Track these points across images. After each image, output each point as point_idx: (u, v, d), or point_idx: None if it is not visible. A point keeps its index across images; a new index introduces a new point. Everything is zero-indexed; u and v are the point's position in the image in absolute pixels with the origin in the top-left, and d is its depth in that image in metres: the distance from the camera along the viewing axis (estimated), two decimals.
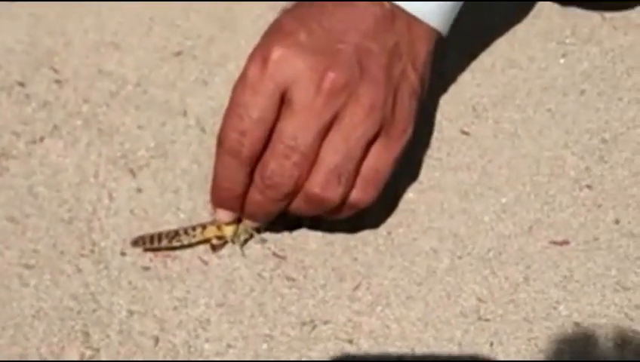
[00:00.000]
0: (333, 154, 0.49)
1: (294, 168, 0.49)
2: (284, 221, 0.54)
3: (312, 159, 0.49)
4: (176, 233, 0.53)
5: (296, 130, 0.48)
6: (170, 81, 0.64)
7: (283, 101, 0.49)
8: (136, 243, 0.53)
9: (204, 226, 0.54)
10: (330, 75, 0.48)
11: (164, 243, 0.53)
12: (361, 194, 0.50)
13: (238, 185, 0.50)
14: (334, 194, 0.49)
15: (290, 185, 0.49)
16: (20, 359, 0.51)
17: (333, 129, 0.49)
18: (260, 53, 0.49)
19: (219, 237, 0.54)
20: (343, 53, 0.49)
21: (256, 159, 0.50)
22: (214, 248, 0.54)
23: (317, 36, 0.49)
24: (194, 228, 0.53)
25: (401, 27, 0.50)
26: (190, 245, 0.54)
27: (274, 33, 0.50)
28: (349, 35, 0.49)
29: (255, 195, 0.50)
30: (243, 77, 0.49)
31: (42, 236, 0.56)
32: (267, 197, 0.50)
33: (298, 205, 0.51)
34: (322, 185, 0.49)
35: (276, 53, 0.48)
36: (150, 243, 0.53)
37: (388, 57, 0.49)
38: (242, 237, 0.54)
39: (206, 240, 0.54)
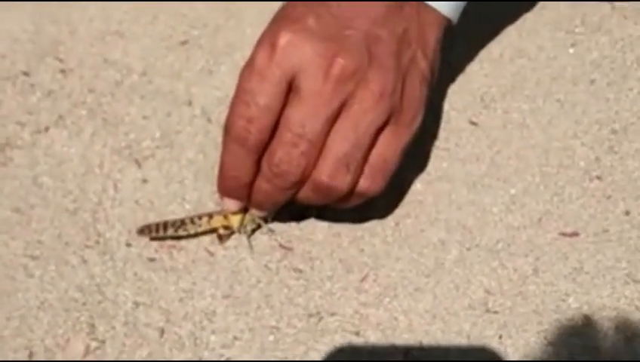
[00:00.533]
0: (341, 142, 0.48)
1: (302, 156, 0.48)
2: (290, 210, 0.54)
3: (319, 147, 0.48)
4: (183, 222, 0.53)
5: (304, 117, 0.48)
6: (175, 70, 0.63)
7: (291, 88, 0.48)
8: (142, 231, 0.53)
9: (210, 216, 0.53)
10: (339, 62, 0.47)
11: (170, 232, 0.53)
12: (370, 183, 0.50)
13: (245, 174, 0.50)
14: (342, 182, 0.49)
15: (298, 174, 0.49)
16: (24, 350, 0.50)
17: (342, 116, 0.48)
18: (268, 39, 0.48)
19: (225, 227, 0.53)
20: (351, 40, 0.48)
21: (264, 147, 0.49)
22: (221, 238, 0.54)
23: (325, 22, 0.48)
24: (200, 218, 0.53)
25: (411, 13, 0.49)
26: (196, 234, 0.54)
27: (282, 19, 0.49)
28: (357, 22, 0.48)
29: (262, 184, 0.50)
30: (250, 63, 0.49)
31: (47, 227, 0.55)
32: (274, 185, 0.49)
33: (305, 194, 0.50)
34: (330, 174, 0.48)
35: (284, 38, 0.48)
36: (156, 231, 0.53)
37: (397, 44, 0.49)
38: (249, 227, 0.53)
39: (212, 230, 0.54)
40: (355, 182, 0.49)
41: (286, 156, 0.48)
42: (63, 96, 0.62)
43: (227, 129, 0.49)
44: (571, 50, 0.63)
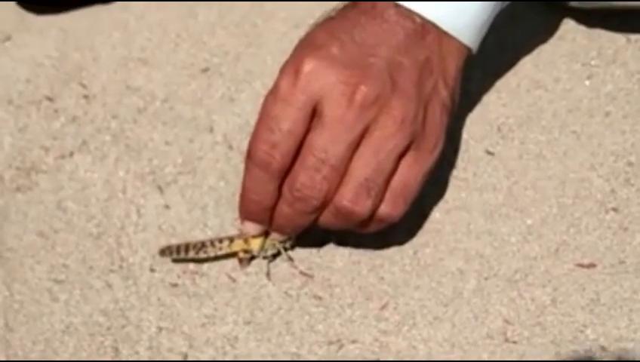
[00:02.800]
0: (363, 167, 0.49)
1: (324, 181, 0.49)
2: (310, 236, 0.54)
3: (342, 172, 0.49)
4: (203, 244, 0.54)
5: (327, 143, 0.49)
6: (197, 97, 0.64)
7: (314, 113, 0.49)
8: (163, 252, 0.54)
9: (231, 239, 0.54)
10: (362, 89, 0.48)
11: (191, 254, 0.53)
12: (390, 209, 0.50)
13: (266, 198, 0.51)
14: (364, 207, 0.50)
15: (320, 198, 0.49)
16: None
17: (364, 142, 0.49)
18: (292, 65, 0.49)
19: (245, 251, 0.54)
20: (374, 67, 0.49)
21: (286, 172, 0.50)
22: (241, 261, 0.54)
23: (349, 49, 0.49)
24: (221, 241, 0.54)
25: (432, 42, 0.50)
26: (217, 258, 0.54)
27: (306, 46, 0.50)
28: (380, 49, 0.49)
29: (284, 208, 0.50)
30: (274, 89, 0.50)
31: (72, 251, 0.56)
32: (296, 209, 0.50)
33: (327, 218, 0.51)
34: (352, 199, 0.49)
35: (308, 65, 0.49)
36: (177, 253, 0.53)
37: (419, 72, 0.50)
38: (269, 252, 0.54)
39: (233, 254, 0.54)
40: (376, 207, 0.50)
41: (308, 181, 0.49)
42: (87, 122, 0.63)
43: (250, 154, 0.50)
44: (587, 82, 0.63)
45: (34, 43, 0.67)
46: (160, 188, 0.59)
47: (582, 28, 0.66)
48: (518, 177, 0.59)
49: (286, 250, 0.54)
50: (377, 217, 0.51)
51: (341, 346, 0.52)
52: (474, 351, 0.51)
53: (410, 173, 0.50)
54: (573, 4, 0.65)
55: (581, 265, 0.54)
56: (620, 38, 0.65)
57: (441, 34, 0.50)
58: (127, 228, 0.57)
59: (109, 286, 0.54)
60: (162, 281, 0.55)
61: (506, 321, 0.52)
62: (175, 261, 0.54)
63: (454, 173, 0.59)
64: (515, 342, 0.51)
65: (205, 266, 0.55)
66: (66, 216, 0.58)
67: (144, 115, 0.63)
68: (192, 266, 0.55)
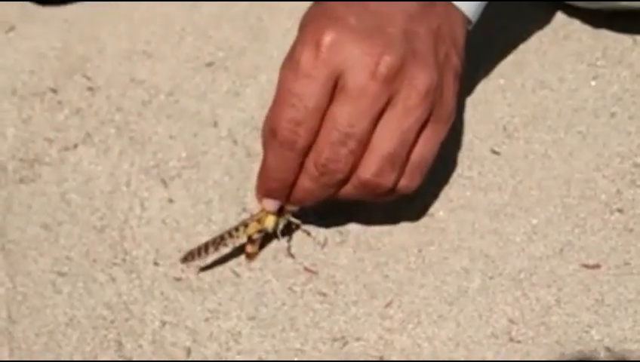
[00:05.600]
0: (387, 140, 0.48)
1: (349, 155, 0.48)
2: (315, 233, 0.55)
3: (366, 145, 0.48)
4: (222, 238, 0.53)
5: (352, 116, 0.48)
6: (201, 91, 0.64)
7: (336, 86, 0.48)
8: (185, 259, 0.53)
9: (245, 224, 0.53)
10: (386, 59, 0.47)
11: (212, 250, 0.53)
12: (409, 181, 0.50)
13: (290, 175, 0.50)
14: (387, 180, 0.49)
15: (345, 172, 0.49)
16: None
17: (387, 114, 0.48)
18: (312, 38, 0.48)
19: (260, 231, 0.53)
20: (394, 37, 0.48)
21: (310, 147, 0.49)
22: (249, 256, 0.54)
23: (366, 19, 0.48)
24: (237, 229, 0.53)
25: (442, 11, 0.50)
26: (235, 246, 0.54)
27: (322, 17, 0.48)
28: (395, 18, 0.48)
29: (306, 183, 0.50)
30: (294, 64, 0.48)
31: (75, 243, 0.56)
32: (319, 184, 0.49)
33: (348, 191, 0.50)
34: (376, 172, 0.49)
35: (329, 37, 0.47)
36: (198, 255, 0.53)
37: (434, 39, 0.49)
38: (280, 225, 0.53)
39: (248, 238, 0.54)
40: (399, 179, 0.50)
41: (334, 155, 0.48)
42: (91, 114, 0.62)
43: (273, 132, 0.49)
44: (593, 83, 0.63)
45: (38, 34, 0.67)
46: (164, 182, 0.59)
47: (588, 28, 0.66)
48: (523, 177, 0.58)
49: (295, 217, 0.53)
50: (396, 190, 0.50)
51: (345, 343, 0.52)
52: (478, 350, 0.51)
53: (428, 146, 0.50)
54: (579, 4, 0.65)
55: (586, 266, 0.54)
56: (626, 39, 0.65)
57: (447, 4, 0.50)
58: (131, 221, 0.57)
59: (113, 279, 0.54)
60: (166, 275, 0.54)
61: (511, 321, 0.52)
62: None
63: (459, 171, 0.59)
64: (519, 342, 0.51)
65: (209, 261, 0.55)
66: (69, 208, 0.57)
67: (148, 108, 0.63)
68: (195, 261, 0.55)
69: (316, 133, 0.48)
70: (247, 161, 0.60)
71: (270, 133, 0.49)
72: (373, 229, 0.56)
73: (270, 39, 0.67)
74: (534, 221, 0.56)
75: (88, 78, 0.64)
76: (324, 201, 0.51)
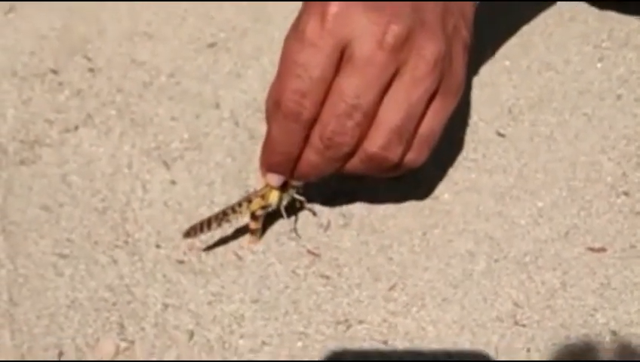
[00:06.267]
0: (395, 112, 0.47)
1: (356, 128, 0.47)
2: (317, 215, 0.54)
3: (373, 117, 0.47)
4: (225, 213, 0.52)
5: (359, 88, 0.46)
6: (203, 73, 0.63)
7: (342, 58, 0.47)
8: (188, 234, 0.52)
9: (249, 200, 0.52)
10: (394, 28, 0.46)
11: (215, 226, 0.52)
12: (416, 155, 0.49)
13: (294, 149, 0.48)
14: (395, 154, 0.48)
15: (351, 145, 0.47)
16: (54, 348, 0.50)
17: (395, 86, 0.47)
18: (317, 7, 0.46)
19: (263, 207, 0.52)
20: (401, 7, 0.46)
21: (315, 120, 0.48)
22: (253, 232, 0.54)
23: None
24: (240, 204, 0.52)
25: None
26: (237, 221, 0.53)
27: None
28: None
29: (311, 156, 0.48)
30: (299, 33, 0.46)
31: (76, 225, 0.55)
32: (325, 157, 0.48)
33: (354, 165, 0.49)
34: (383, 145, 0.47)
35: (335, 7, 0.46)
36: (201, 230, 0.52)
37: (442, 10, 0.48)
38: (284, 201, 0.52)
39: (252, 214, 0.53)
40: (406, 153, 0.49)
41: (340, 128, 0.47)
42: (92, 95, 0.62)
43: (277, 104, 0.47)
44: (599, 65, 0.63)
45: (38, 15, 0.66)
46: (166, 164, 0.58)
47: (593, 10, 0.65)
48: (528, 159, 0.58)
49: (299, 194, 0.52)
50: (403, 164, 0.49)
51: (349, 326, 0.51)
52: (483, 333, 0.51)
53: (436, 118, 0.48)
54: None
55: (591, 249, 0.54)
56: (632, 21, 0.65)
57: None
58: (133, 203, 0.56)
59: (115, 261, 0.54)
60: (168, 258, 0.54)
61: (516, 304, 0.52)
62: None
63: (464, 154, 0.58)
64: (524, 325, 0.51)
65: (211, 243, 0.55)
66: (70, 190, 0.57)
67: (150, 90, 0.62)
68: (198, 243, 0.55)
69: (321, 105, 0.47)
70: (250, 142, 0.59)
71: (274, 104, 0.48)
72: (377, 212, 0.56)
73: (272, 20, 0.66)
74: (540, 204, 0.56)
75: (89, 59, 0.64)
76: (329, 177, 0.50)
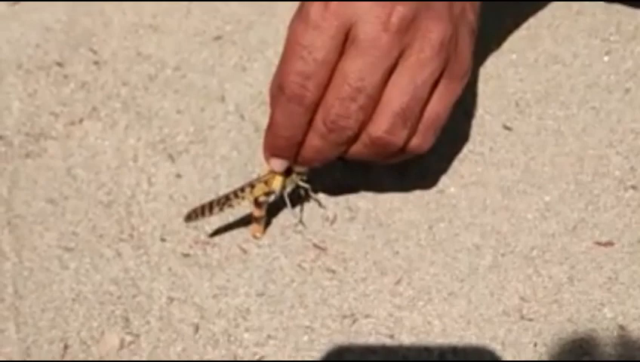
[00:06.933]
0: (399, 95, 0.46)
1: (360, 111, 0.46)
2: (323, 209, 0.54)
3: (377, 101, 0.46)
4: (227, 198, 0.52)
5: (363, 70, 0.46)
6: (209, 65, 0.63)
7: (346, 40, 0.46)
8: (189, 217, 0.52)
9: (252, 185, 0.52)
10: (399, 9, 0.45)
11: (216, 210, 0.52)
12: (421, 140, 0.48)
13: (298, 132, 0.48)
14: (399, 138, 0.47)
15: (355, 129, 0.47)
16: (59, 342, 0.50)
17: (399, 68, 0.46)
18: None
19: (267, 193, 0.52)
20: None
21: (319, 103, 0.47)
22: (256, 220, 0.53)
23: None
24: (242, 190, 0.52)
25: None
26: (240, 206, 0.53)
27: None
28: None
29: (314, 141, 0.48)
30: (304, 15, 0.46)
31: (81, 219, 0.55)
32: (328, 142, 0.47)
33: (358, 149, 0.48)
34: (388, 129, 0.47)
35: None
36: (202, 214, 0.52)
37: None
38: (288, 188, 0.52)
39: (255, 200, 0.52)
40: (411, 138, 0.48)
41: (344, 111, 0.46)
42: (97, 88, 0.62)
43: (281, 87, 0.47)
44: (606, 58, 0.62)
45: (43, 7, 0.66)
46: (171, 157, 0.58)
47: (601, 3, 0.65)
48: (535, 153, 0.58)
49: (303, 181, 0.52)
50: (407, 149, 0.48)
51: (355, 320, 0.51)
52: (489, 327, 0.50)
53: (442, 103, 0.48)
54: None
55: (599, 243, 0.53)
56: (639, 14, 0.64)
57: None
58: (138, 196, 0.56)
59: (119, 255, 0.54)
60: (173, 251, 0.54)
61: (523, 298, 0.51)
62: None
63: (470, 147, 0.58)
64: (531, 320, 0.51)
65: (217, 237, 0.54)
66: (75, 183, 0.57)
67: (155, 83, 0.62)
68: (203, 237, 0.54)
69: (325, 88, 0.46)
70: (255, 136, 0.59)
71: (278, 88, 0.47)
72: (384, 205, 0.56)
73: (278, 13, 0.66)
74: (547, 198, 0.56)
75: (94, 52, 0.63)
76: (335, 169, 0.49)
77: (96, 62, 0.63)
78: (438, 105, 0.48)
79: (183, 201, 0.56)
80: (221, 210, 0.52)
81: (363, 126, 0.47)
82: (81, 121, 0.60)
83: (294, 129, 0.48)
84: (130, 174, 0.57)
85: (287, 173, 0.51)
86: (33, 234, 0.55)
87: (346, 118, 0.46)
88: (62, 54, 0.63)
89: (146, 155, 0.58)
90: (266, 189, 0.52)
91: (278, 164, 0.50)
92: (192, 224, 0.54)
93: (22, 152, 0.58)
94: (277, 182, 0.51)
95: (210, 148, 0.58)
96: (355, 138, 0.48)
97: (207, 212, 0.52)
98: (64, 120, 0.60)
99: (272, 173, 0.51)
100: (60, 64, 0.63)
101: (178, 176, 0.57)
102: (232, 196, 0.52)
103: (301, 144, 0.48)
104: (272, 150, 0.49)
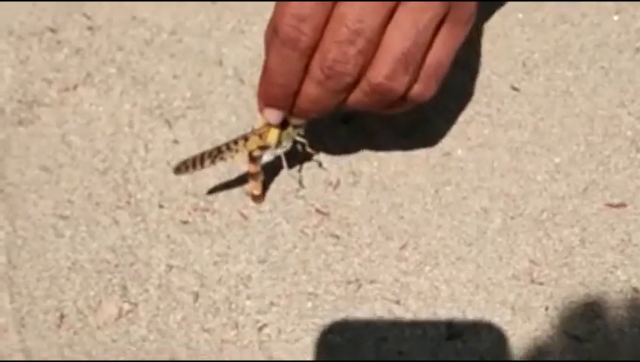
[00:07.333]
0: (400, 39, 0.44)
1: (359, 55, 0.44)
2: (325, 172, 0.52)
3: (377, 45, 0.44)
4: (219, 150, 0.49)
5: (362, 12, 0.43)
6: (206, 29, 0.61)
7: None
8: (179, 170, 0.50)
9: (245, 138, 0.49)
10: None
11: (207, 163, 0.49)
12: (423, 88, 0.46)
13: (293, 80, 0.45)
14: (400, 84, 0.45)
15: (354, 75, 0.44)
16: (55, 311, 0.49)
17: (400, 11, 0.43)
18: None
19: (262, 148, 0.50)
20: None
21: (315, 48, 0.44)
22: (252, 177, 0.50)
23: None
24: (236, 142, 0.49)
25: None
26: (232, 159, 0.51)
27: None
28: None
29: (310, 89, 0.45)
30: None
31: (77, 186, 0.54)
32: (326, 89, 0.45)
33: (357, 97, 0.46)
34: (388, 75, 0.44)
35: None
36: (193, 167, 0.49)
37: None
38: (285, 144, 0.49)
39: (249, 154, 0.50)
40: (412, 85, 0.45)
41: (341, 55, 0.44)
42: (91, 54, 0.60)
43: (275, 30, 0.44)
44: (615, 17, 0.61)
45: None
46: (168, 123, 0.56)
47: None
48: (544, 114, 0.56)
49: (301, 136, 0.49)
50: (409, 97, 0.46)
51: (360, 286, 0.50)
52: (499, 292, 0.49)
53: (445, 49, 0.45)
54: None
55: (610, 205, 0.52)
56: None
57: None
58: (135, 163, 0.55)
59: (116, 222, 0.52)
60: (172, 218, 0.52)
61: (533, 262, 0.50)
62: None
63: (477, 109, 0.56)
64: (541, 284, 0.49)
65: (216, 203, 0.53)
66: (70, 150, 0.55)
67: (151, 47, 0.60)
68: (202, 203, 0.53)
69: (322, 31, 0.44)
70: (255, 100, 0.56)
71: (273, 31, 0.45)
72: (388, 169, 0.54)
73: None
74: (556, 159, 0.54)
75: (88, 17, 0.62)
76: (331, 114, 0.47)
77: (90, 28, 0.61)
78: (441, 51, 0.45)
79: None
80: (212, 162, 0.49)
81: (362, 72, 0.45)
82: (75, 87, 0.58)
83: (289, 76, 0.45)
84: (126, 140, 0.56)
85: (283, 126, 0.49)
86: (27, 202, 0.53)
87: (343, 62, 0.44)
88: (55, 20, 0.61)
89: (142, 121, 0.56)
90: (261, 143, 0.49)
91: (274, 115, 0.47)
92: (191, 191, 0.52)
93: (14, 120, 0.57)
94: (272, 136, 0.49)
95: (208, 114, 0.57)
96: (353, 85, 0.45)
97: (197, 164, 0.49)
98: (58, 86, 0.58)
99: (267, 125, 0.49)
100: (52, 30, 0.61)
101: (175, 142, 0.56)
102: (224, 148, 0.49)
103: (297, 93, 0.46)
104: (266, 100, 0.47)
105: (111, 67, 0.59)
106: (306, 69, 0.45)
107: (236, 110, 0.57)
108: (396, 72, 0.44)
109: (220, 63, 0.59)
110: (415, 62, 0.44)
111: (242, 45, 0.60)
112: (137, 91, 0.58)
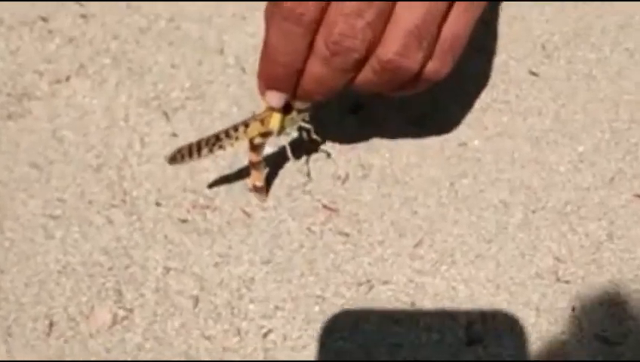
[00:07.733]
0: (412, 12, 0.41)
1: (367, 29, 0.41)
2: (333, 166, 0.50)
3: (386, 19, 0.41)
4: (217, 138, 0.46)
5: None
6: (205, 16, 0.59)
7: None
8: (174, 158, 0.46)
9: (246, 124, 0.46)
10: None
11: (205, 151, 0.46)
12: (439, 65, 0.43)
13: (297, 58, 0.42)
14: (413, 61, 0.42)
15: (362, 50, 0.41)
16: (44, 319, 0.46)
17: None
18: None
19: (263, 135, 0.46)
20: None
21: (320, 23, 0.41)
22: (253, 166, 0.48)
23: None
24: (235, 129, 0.46)
25: None
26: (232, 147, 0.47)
27: None
28: None
29: (315, 68, 0.42)
30: None
31: (69, 184, 0.51)
32: (332, 67, 0.42)
33: (366, 77, 0.43)
34: (400, 51, 0.41)
35: None
36: (189, 155, 0.46)
37: None
38: (289, 130, 0.46)
39: (250, 142, 0.47)
40: (426, 62, 0.42)
41: (349, 29, 0.41)
42: (85, 44, 0.58)
43: (276, 4, 0.41)
44: None
45: None
46: (166, 115, 0.54)
47: None
48: (565, 100, 0.53)
49: (305, 121, 0.46)
50: (423, 75, 0.43)
51: (371, 287, 0.47)
52: (522, 292, 0.46)
53: (461, 22, 0.42)
54: None
55: (639, 196, 0.49)
56: None
57: None
58: (130, 159, 0.52)
59: (111, 222, 0.49)
60: (169, 217, 0.49)
61: (557, 259, 0.47)
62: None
63: (494, 95, 0.54)
64: (567, 282, 0.46)
65: (217, 200, 0.50)
66: (62, 146, 0.53)
67: (147, 36, 0.58)
68: (202, 200, 0.50)
69: (327, 3, 0.41)
70: (257, 90, 0.54)
71: (274, 5, 0.42)
72: (400, 161, 0.51)
73: None
74: (580, 148, 0.51)
75: (81, 5, 0.60)
76: (338, 97, 0.43)
77: (83, 16, 0.59)
78: (457, 25, 0.42)
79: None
80: (210, 151, 0.46)
81: (371, 48, 0.41)
82: (67, 78, 0.56)
83: (292, 54, 0.42)
84: (121, 135, 0.53)
85: (286, 110, 0.45)
86: (15, 201, 0.51)
87: (351, 37, 0.41)
88: (46, 8, 0.59)
89: (139, 114, 0.54)
90: (262, 129, 0.46)
91: (276, 98, 0.44)
92: (190, 188, 0.49)
93: (3, 114, 0.54)
94: (275, 121, 0.46)
95: (208, 105, 0.54)
96: (362, 62, 0.42)
97: (194, 153, 0.46)
98: (49, 78, 0.56)
99: (269, 110, 0.45)
100: (44, 19, 0.59)
101: (174, 135, 0.53)
102: (222, 136, 0.46)
103: (301, 73, 0.43)
104: (267, 81, 0.44)
105: (105, 57, 0.57)
106: (311, 45, 0.41)
107: (238, 100, 0.54)
108: (409, 47, 0.41)
109: (221, 51, 0.57)
110: (429, 36, 0.41)
111: (244, 32, 0.58)
112: (133, 82, 0.55)
